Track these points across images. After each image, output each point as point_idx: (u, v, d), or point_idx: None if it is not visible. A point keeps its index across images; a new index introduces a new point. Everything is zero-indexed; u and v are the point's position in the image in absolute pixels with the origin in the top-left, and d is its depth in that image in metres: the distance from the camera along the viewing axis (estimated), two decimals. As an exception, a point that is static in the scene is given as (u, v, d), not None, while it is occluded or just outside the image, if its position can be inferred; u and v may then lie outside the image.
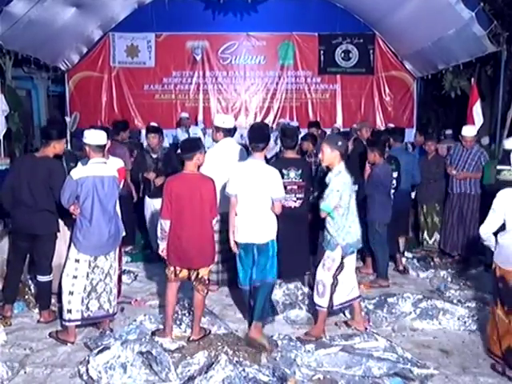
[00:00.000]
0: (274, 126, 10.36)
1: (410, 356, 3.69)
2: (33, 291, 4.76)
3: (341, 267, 4.05)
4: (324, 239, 4.17)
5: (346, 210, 3.99)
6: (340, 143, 4.04)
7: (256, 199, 4.06)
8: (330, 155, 4.04)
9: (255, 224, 4.06)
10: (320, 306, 4.13)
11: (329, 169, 4.13)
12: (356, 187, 5.18)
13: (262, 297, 4.06)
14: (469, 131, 6.18)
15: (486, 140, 8.38)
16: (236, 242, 4.13)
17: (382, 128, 10.36)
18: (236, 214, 4.10)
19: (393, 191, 5.67)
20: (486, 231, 3.72)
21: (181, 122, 9.99)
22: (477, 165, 6.02)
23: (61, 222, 4.43)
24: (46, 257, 4.35)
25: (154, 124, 7.76)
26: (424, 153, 6.93)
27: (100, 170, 3.97)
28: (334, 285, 4.07)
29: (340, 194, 3.94)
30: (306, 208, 5.16)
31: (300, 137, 6.41)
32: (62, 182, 3.97)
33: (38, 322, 4.38)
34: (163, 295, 4.20)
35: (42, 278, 4.36)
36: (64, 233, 4.47)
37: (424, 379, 3.50)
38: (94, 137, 4.01)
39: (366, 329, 4.22)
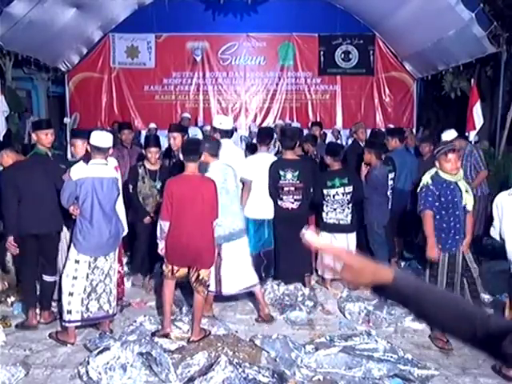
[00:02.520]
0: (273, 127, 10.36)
1: (410, 357, 3.68)
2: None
3: (219, 258, 4.27)
4: None
5: None
6: (207, 145, 4.30)
7: (266, 184, 5.01)
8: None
9: (267, 204, 5.07)
10: (209, 291, 4.33)
11: None
12: (351, 188, 5.18)
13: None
14: (448, 135, 5.90)
15: (475, 138, 8.37)
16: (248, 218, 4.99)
17: (383, 129, 10.38)
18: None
19: (390, 192, 5.68)
20: (493, 234, 3.77)
21: (182, 122, 9.98)
22: (472, 165, 5.93)
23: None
24: (52, 256, 4.35)
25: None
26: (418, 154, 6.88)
27: (100, 171, 3.96)
28: (217, 277, 4.32)
29: None
30: (305, 209, 5.16)
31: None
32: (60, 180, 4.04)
33: (38, 322, 4.37)
34: (162, 295, 4.20)
35: (48, 278, 4.34)
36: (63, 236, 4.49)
37: (424, 380, 3.50)
38: (99, 138, 4.01)
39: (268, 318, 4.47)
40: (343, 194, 5.16)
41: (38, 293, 4.42)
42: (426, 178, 4.07)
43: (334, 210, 5.18)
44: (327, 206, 5.20)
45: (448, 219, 4.00)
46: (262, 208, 5.07)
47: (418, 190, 4.10)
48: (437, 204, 3.97)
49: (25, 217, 4.15)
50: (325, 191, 5.16)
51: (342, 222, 5.21)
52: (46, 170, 4.28)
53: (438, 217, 3.99)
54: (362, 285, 1.28)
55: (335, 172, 5.24)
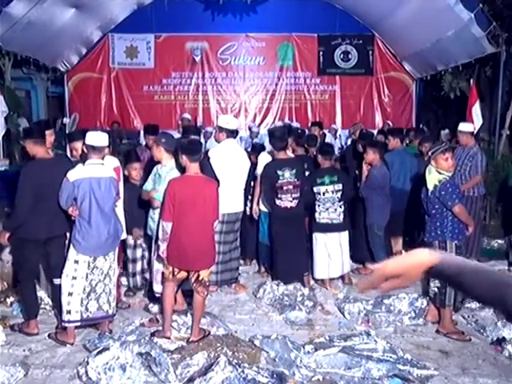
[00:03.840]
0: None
1: (409, 357, 3.68)
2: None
3: None
4: (151, 229, 4.34)
5: None
6: (163, 140, 4.27)
7: None
8: (155, 152, 4.33)
9: None
10: (160, 293, 4.30)
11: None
12: (340, 186, 5.19)
13: None
14: (466, 126, 6.15)
15: (503, 131, 8.43)
16: (259, 210, 5.36)
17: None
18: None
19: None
20: None
21: (181, 123, 9.97)
22: (472, 167, 5.91)
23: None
24: (61, 258, 4.10)
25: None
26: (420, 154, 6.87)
27: (97, 171, 3.96)
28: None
29: None
30: (303, 208, 5.18)
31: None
32: None
33: (38, 333, 4.18)
34: (163, 298, 4.19)
35: (59, 281, 4.11)
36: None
37: (424, 380, 3.50)
38: (94, 138, 4.01)
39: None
40: (333, 192, 5.19)
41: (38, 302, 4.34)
42: (438, 175, 4.13)
43: (327, 209, 5.20)
44: (319, 205, 5.22)
45: None
46: None
47: (435, 188, 4.12)
48: (458, 193, 4.16)
49: (36, 220, 4.01)
50: (315, 189, 5.18)
51: (334, 222, 5.24)
52: (56, 171, 4.12)
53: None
54: (416, 280, 1.34)
55: (325, 170, 5.28)
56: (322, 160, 5.30)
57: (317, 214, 5.23)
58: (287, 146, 5.22)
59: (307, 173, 5.46)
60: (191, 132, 5.56)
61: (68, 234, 4.22)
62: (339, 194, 5.21)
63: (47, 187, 4.00)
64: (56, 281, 4.20)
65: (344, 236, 5.34)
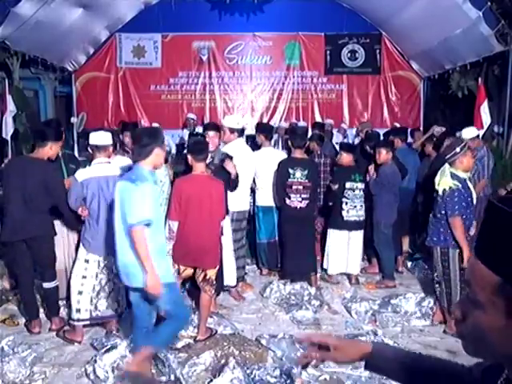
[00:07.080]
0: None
1: (416, 357, 3.67)
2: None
3: None
4: None
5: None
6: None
7: (271, 174, 5.23)
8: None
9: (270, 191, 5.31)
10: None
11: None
12: (363, 185, 5.25)
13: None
14: (468, 133, 5.60)
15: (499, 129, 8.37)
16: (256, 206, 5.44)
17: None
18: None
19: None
20: None
21: (187, 122, 10.00)
22: (481, 168, 5.81)
23: (61, 227, 4.39)
24: (47, 261, 4.14)
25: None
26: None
27: (104, 170, 3.98)
28: None
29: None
30: (312, 209, 5.19)
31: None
32: (61, 185, 4.02)
33: (50, 330, 4.25)
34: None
35: (48, 285, 4.19)
36: (63, 237, 4.44)
37: (431, 380, 3.48)
38: (97, 137, 4.04)
39: None
40: (360, 190, 5.31)
41: (37, 302, 4.35)
42: (449, 180, 4.03)
43: (355, 207, 5.28)
44: (347, 203, 5.26)
45: (467, 217, 4.06)
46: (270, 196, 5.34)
47: (444, 193, 4.04)
48: (464, 205, 4.03)
49: (12, 221, 4.01)
50: (348, 184, 5.25)
51: (361, 219, 5.36)
52: (37, 170, 4.06)
53: (464, 216, 4.03)
54: (350, 361, 1.34)
55: (354, 168, 5.39)
56: (349, 158, 5.39)
57: (344, 212, 5.27)
58: (305, 145, 5.28)
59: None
60: (211, 129, 5.42)
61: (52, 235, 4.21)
62: (363, 193, 5.33)
63: (20, 187, 3.97)
64: (45, 285, 4.19)
65: (362, 234, 5.44)
